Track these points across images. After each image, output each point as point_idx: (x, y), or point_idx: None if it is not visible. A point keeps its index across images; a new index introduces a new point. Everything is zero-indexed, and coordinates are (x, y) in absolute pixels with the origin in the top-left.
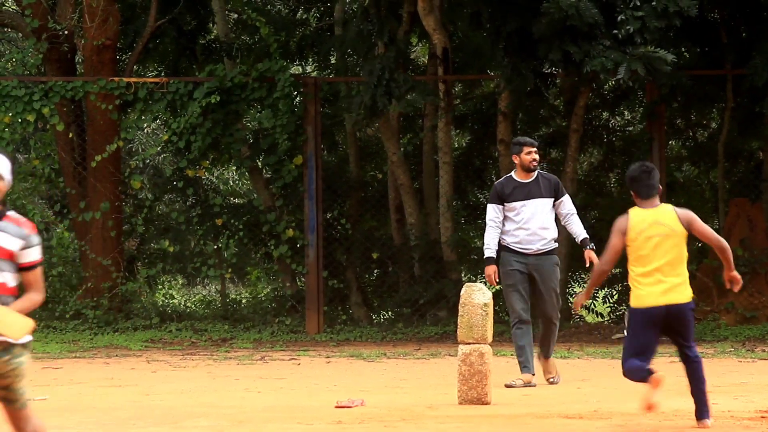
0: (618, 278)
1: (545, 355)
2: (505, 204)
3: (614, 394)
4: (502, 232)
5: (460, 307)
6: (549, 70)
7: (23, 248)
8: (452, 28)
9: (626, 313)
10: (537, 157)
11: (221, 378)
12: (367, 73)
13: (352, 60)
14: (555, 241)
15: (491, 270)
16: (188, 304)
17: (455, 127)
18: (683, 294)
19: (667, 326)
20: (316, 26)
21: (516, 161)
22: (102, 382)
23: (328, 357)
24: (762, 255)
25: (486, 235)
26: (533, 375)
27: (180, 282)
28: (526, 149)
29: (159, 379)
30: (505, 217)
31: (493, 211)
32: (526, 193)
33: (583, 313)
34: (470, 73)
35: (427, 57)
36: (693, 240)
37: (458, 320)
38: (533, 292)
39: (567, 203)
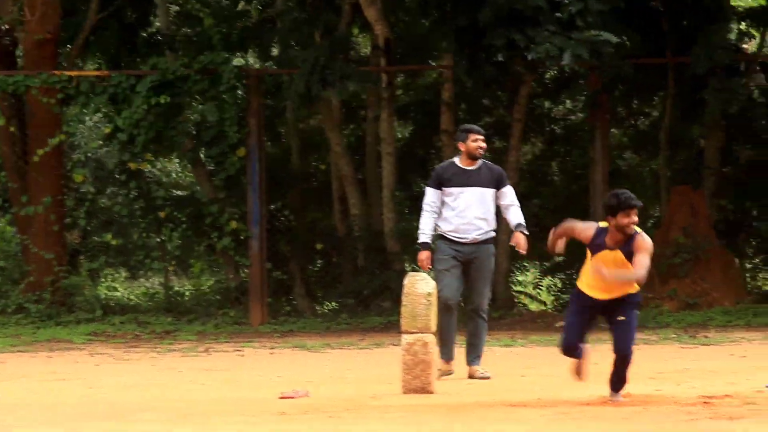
0: (561, 267)
1: (469, 361)
2: (443, 188)
3: (558, 382)
4: (440, 218)
5: (403, 297)
6: (502, 59)
7: None
8: (394, 18)
9: None
10: (484, 145)
11: (165, 370)
12: (301, 61)
13: (295, 52)
14: (493, 231)
15: (424, 255)
16: (131, 297)
17: (398, 118)
18: None
19: None
20: (258, 18)
21: (462, 148)
22: (46, 376)
23: (272, 348)
24: (704, 242)
25: (421, 219)
26: (452, 361)
27: (123, 275)
28: (473, 136)
29: (103, 372)
30: (443, 203)
31: (430, 195)
32: (466, 180)
33: (527, 301)
34: (412, 64)
35: (369, 48)
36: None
37: (401, 310)
38: (466, 281)
39: (509, 194)
